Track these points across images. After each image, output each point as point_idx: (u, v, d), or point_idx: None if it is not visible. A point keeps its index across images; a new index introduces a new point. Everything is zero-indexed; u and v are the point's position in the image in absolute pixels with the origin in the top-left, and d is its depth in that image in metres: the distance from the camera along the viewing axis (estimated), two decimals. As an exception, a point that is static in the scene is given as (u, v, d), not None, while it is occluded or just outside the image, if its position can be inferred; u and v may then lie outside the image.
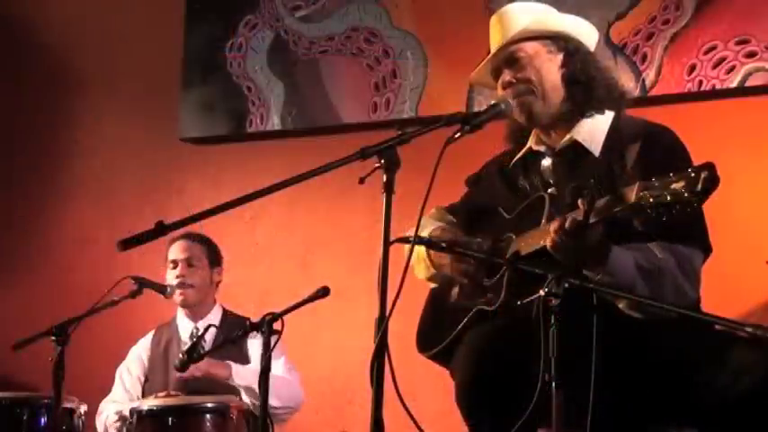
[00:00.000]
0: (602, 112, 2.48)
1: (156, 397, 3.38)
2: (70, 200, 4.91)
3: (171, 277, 3.66)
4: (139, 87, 4.84)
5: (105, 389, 3.71)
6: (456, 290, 2.57)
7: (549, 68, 2.48)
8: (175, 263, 3.69)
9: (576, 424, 2.04)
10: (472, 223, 2.65)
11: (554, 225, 2.14)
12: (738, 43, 3.66)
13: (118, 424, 3.44)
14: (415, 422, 1.99)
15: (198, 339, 3.09)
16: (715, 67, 3.69)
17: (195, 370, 3.26)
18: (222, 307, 3.77)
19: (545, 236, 2.22)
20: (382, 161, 2.00)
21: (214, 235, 3.84)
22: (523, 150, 2.59)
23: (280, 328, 2.70)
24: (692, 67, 3.73)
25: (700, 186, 1.85)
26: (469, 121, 2.16)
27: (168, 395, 3.37)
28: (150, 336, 3.78)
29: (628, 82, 3.75)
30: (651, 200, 1.91)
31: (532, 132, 2.58)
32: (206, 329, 3.31)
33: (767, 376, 2.07)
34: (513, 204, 2.52)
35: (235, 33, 4.60)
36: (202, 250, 3.73)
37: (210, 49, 4.63)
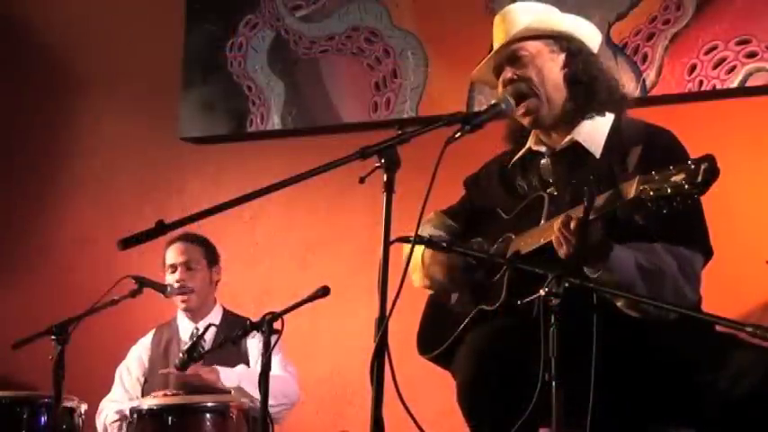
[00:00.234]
0: (603, 114, 2.48)
1: (155, 396, 3.38)
2: (70, 199, 4.91)
3: (170, 281, 3.66)
4: (140, 87, 4.84)
5: (105, 388, 3.71)
6: (455, 294, 2.57)
7: (551, 68, 2.48)
8: (174, 267, 3.68)
9: (576, 424, 2.04)
10: (471, 225, 2.65)
11: (557, 223, 2.14)
12: (739, 43, 3.66)
13: (117, 423, 3.44)
14: (416, 422, 1.99)
15: (198, 339, 3.10)
16: (716, 67, 3.69)
17: (191, 372, 3.27)
18: (222, 307, 3.77)
19: (545, 234, 2.23)
20: (382, 161, 1.99)
21: (214, 235, 3.84)
22: (522, 151, 2.58)
23: (280, 328, 2.70)
24: (693, 67, 3.73)
25: (700, 178, 1.85)
26: (470, 121, 2.16)
27: (166, 395, 3.37)
28: (150, 335, 3.78)
29: (628, 82, 3.75)
30: (651, 193, 1.91)
31: (532, 133, 2.57)
32: (206, 329, 3.31)
33: (766, 378, 2.07)
34: (511, 205, 2.52)
35: (235, 33, 4.60)
36: (200, 251, 3.72)
37: (211, 48, 4.63)
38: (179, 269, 3.66)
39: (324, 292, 2.76)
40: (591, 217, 2.07)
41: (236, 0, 4.62)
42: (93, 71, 4.97)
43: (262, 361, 2.70)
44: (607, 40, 3.81)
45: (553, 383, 1.90)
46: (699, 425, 2.22)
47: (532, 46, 2.50)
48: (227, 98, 4.57)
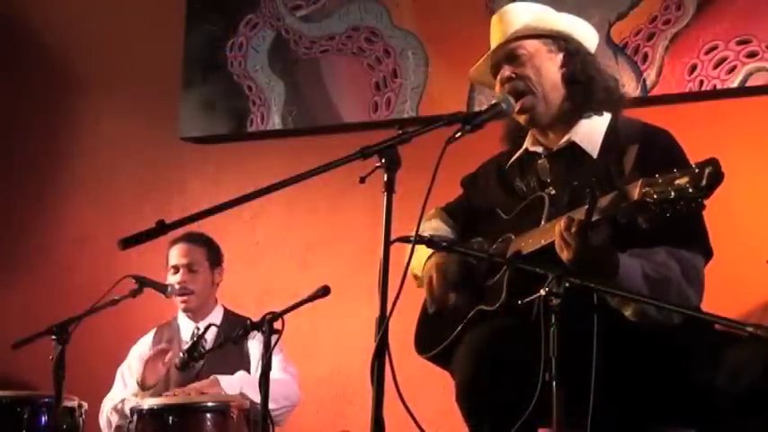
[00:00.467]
0: (601, 114, 2.48)
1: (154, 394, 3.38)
2: (70, 199, 4.91)
3: (171, 282, 3.65)
4: (140, 87, 4.84)
5: (106, 388, 3.70)
6: (453, 295, 2.57)
7: (549, 67, 2.48)
8: (176, 268, 3.67)
9: (577, 424, 2.04)
10: (470, 224, 2.65)
11: (558, 226, 2.14)
12: (739, 43, 3.66)
13: (115, 417, 3.45)
14: (416, 422, 1.99)
15: (198, 339, 3.10)
16: (716, 66, 3.69)
17: (190, 389, 3.29)
18: (223, 307, 3.77)
19: (546, 235, 2.22)
20: (383, 160, 1.99)
21: (214, 234, 3.84)
22: (520, 151, 2.58)
23: (280, 328, 2.70)
24: (693, 67, 3.72)
25: (704, 182, 1.85)
26: (470, 121, 2.16)
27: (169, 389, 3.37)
28: (151, 335, 3.77)
29: (629, 82, 3.75)
30: (655, 196, 1.91)
31: (529, 133, 2.57)
32: (206, 329, 3.32)
33: (765, 376, 2.07)
34: (510, 205, 2.52)
35: (235, 33, 4.60)
36: (203, 253, 3.72)
37: (211, 48, 4.63)
38: (181, 271, 3.66)
39: (324, 291, 2.76)
40: (593, 219, 2.07)
41: (236, 0, 4.62)
42: (93, 71, 4.97)
43: (262, 361, 2.69)
44: (607, 39, 3.81)
45: (553, 383, 1.90)
46: (698, 424, 2.22)
47: (530, 45, 2.50)
48: (228, 98, 4.57)
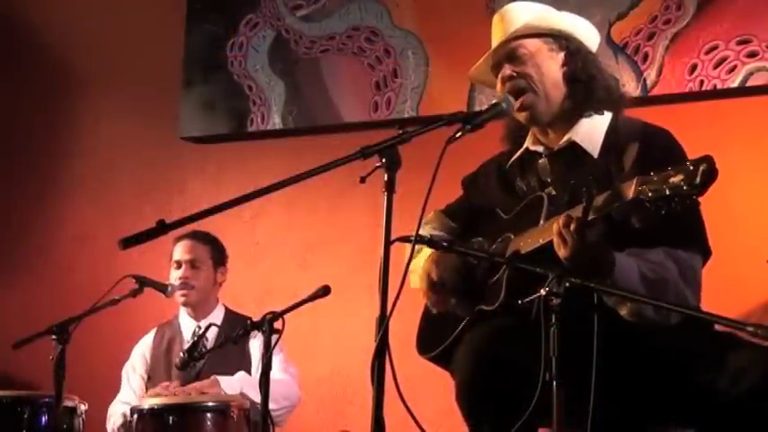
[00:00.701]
0: (601, 113, 2.48)
1: (156, 393, 3.38)
2: (70, 199, 4.91)
3: (174, 277, 3.66)
4: (140, 87, 4.84)
5: (106, 388, 3.71)
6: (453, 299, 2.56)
7: (550, 66, 2.48)
8: (179, 263, 3.68)
9: (577, 424, 2.04)
10: (470, 225, 2.65)
11: (557, 224, 2.14)
12: (740, 43, 3.66)
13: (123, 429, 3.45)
14: (417, 422, 1.99)
15: (199, 338, 3.10)
16: (716, 66, 3.69)
17: (190, 389, 3.29)
18: (225, 306, 3.77)
19: (544, 234, 2.22)
20: (383, 160, 1.99)
21: (214, 234, 3.84)
22: (520, 151, 2.58)
23: (280, 328, 2.70)
24: (694, 67, 3.73)
25: (698, 179, 1.86)
26: (470, 121, 2.16)
27: (170, 382, 3.37)
28: (152, 334, 3.78)
29: (629, 82, 3.75)
30: (650, 194, 1.91)
31: (529, 133, 2.57)
32: (207, 328, 3.33)
33: (765, 378, 2.07)
34: (510, 205, 2.52)
35: (236, 32, 4.60)
36: (207, 251, 3.72)
37: (211, 48, 4.63)
38: (184, 266, 3.67)
39: (324, 291, 2.76)
40: (590, 217, 2.07)
41: (236, 0, 4.62)
42: (93, 71, 4.97)
43: (262, 361, 2.70)
44: (608, 39, 3.82)
45: (554, 383, 1.90)
46: (698, 425, 2.22)
47: (531, 44, 2.50)
48: (228, 98, 4.57)
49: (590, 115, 2.47)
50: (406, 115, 4.18)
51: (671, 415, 2.27)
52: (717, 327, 2.24)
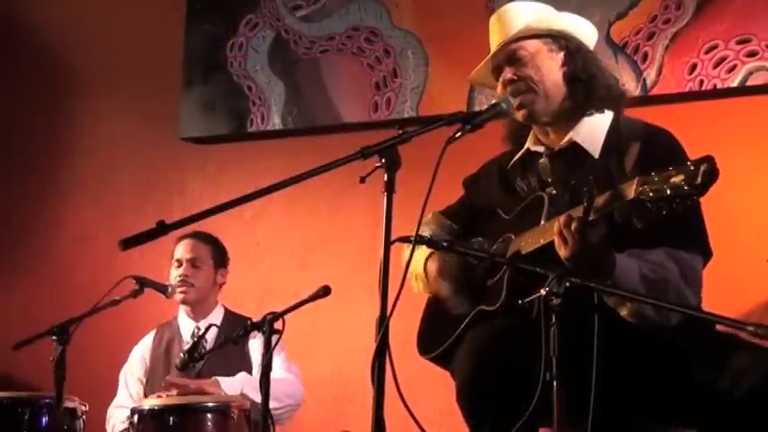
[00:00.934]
0: (602, 112, 2.48)
1: (158, 395, 3.38)
2: (70, 199, 4.91)
3: (174, 275, 3.66)
4: (140, 87, 4.84)
5: (106, 389, 3.71)
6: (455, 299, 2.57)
7: (550, 67, 2.48)
8: (180, 262, 3.68)
9: (577, 424, 2.04)
10: (471, 225, 2.65)
11: (556, 225, 2.14)
12: (739, 42, 3.66)
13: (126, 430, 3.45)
14: (417, 422, 1.99)
15: (199, 339, 3.10)
16: (716, 66, 3.69)
17: (191, 382, 3.29)
18: (224, 307, 3.77)
19: (545, 234, 2.22)
20: (383, 160, 2.00)
21: (214, 235, 3.84)
22: (521, 151, 2.58)
23: (281, 328, 2.70)
24: (693, 67, 3.73)
25: (699, 179, 1.86)
26: (470, 121, 2.16)
27: (170, 384, 3.36)
28: (151, 335, 3.77)
29: (628, 81, 3.75)
30: (651, 194, 1.91)
31: (530, 133, 2.57)
32: (207, 329, 3.32)
33: (766, 379, 2.07)
34: (511, 205, 2.52)
35: (235, 33, 4.60)
36: (209, 251, 3.72)
37: (211, 48, 4.63)
38: (184, 265, 3.67)
39: (325, 291, 2.76)
40: (591, 217, 2.07)
41: (236, 0, 4.62)
42: (93, 71, 4.97)
43: (262, 361, 2.69)
44: (607, 39, 3.82)
45: (554, 383, 1.90)
46: (699, 425, 2.22)
47: (531, 45, 2.50)
48: (228, 98, 4.57)
49: (591, 114, 2.47)
50: (405, 115, 4.17)
51: (671, 415, 2.28)
52: (717, 327, 2.24)
